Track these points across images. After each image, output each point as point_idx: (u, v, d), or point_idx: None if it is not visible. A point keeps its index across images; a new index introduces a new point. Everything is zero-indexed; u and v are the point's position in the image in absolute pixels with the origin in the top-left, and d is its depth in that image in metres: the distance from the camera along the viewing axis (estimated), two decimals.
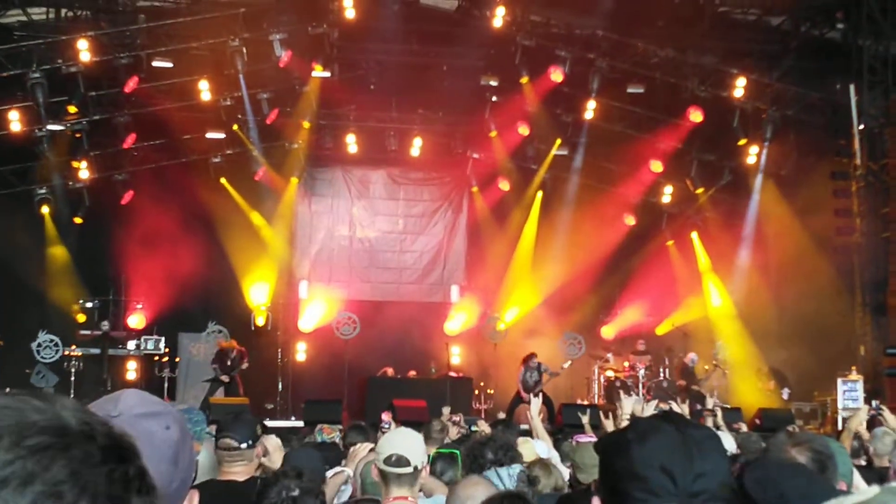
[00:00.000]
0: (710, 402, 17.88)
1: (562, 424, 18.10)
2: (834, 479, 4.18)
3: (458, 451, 7.28)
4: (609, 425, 10.28)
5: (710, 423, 12.66)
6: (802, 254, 23.33)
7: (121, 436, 1.24)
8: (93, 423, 1.22)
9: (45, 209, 24.43)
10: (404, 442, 5.61)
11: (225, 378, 22.93)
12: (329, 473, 6.87)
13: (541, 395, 20.34)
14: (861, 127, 23.21)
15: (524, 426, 15.31)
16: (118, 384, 23.06)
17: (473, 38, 24.62)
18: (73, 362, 23.50)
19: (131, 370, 24.30)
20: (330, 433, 11.40)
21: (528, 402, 22.10)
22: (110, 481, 1.18)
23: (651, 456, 2.20)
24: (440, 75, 25.81)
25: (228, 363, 23.06)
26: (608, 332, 26.92)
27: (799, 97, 24.60)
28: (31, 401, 1.22)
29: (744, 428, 13.83)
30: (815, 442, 4.38)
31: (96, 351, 24.14)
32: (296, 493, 4.53)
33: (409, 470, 5.34)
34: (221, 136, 25.29)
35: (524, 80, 24.42)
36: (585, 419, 12.48)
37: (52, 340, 23.29)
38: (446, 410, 15.70)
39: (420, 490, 5.56)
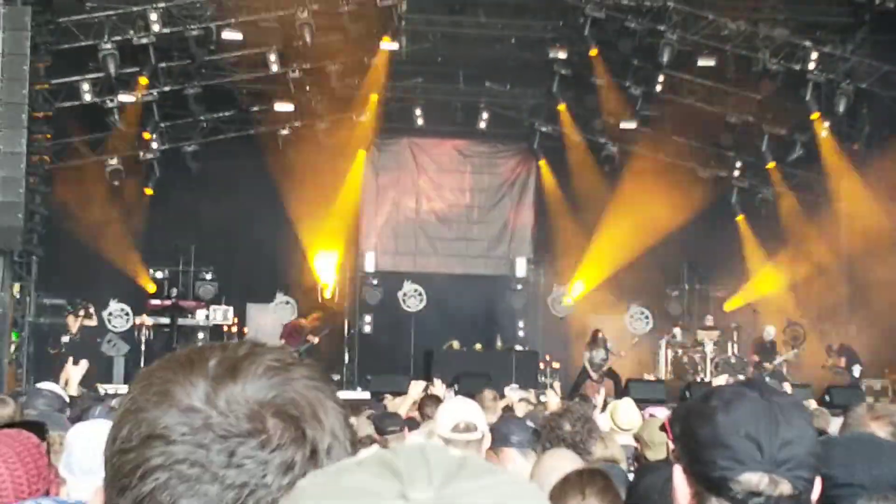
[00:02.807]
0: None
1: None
2: None
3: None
4: None
5: None
6: (874, 229, 22.97)
7: None
8: None
9: (115, 180, 24.67)
10: (466, 409, 5.59)
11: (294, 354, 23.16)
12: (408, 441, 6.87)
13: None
14: None
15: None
16: None
17: (542, 9, 24.46)
18: (144, 331, 23.83)
19: (200, 340, 24.53)
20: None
21: (596, 381, 22.21)
22: None
23: (736, 423, 2.17)
24: (508, 48, 25.68)
25: (298, 337, 23.33)
26: (676, 307, 26.74)
27: (873, 70, 24.17)
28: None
29: (813, 405, 13.63)
30: None
31: (166, 320, 24.44)
32: None
33: (478, 436, 5.33)
34: (290, 108, 25.37)
35: (593, 52, 24.21)
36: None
37: (122, 309, 23.60)
38: (507, 390, 15.70)
39: None
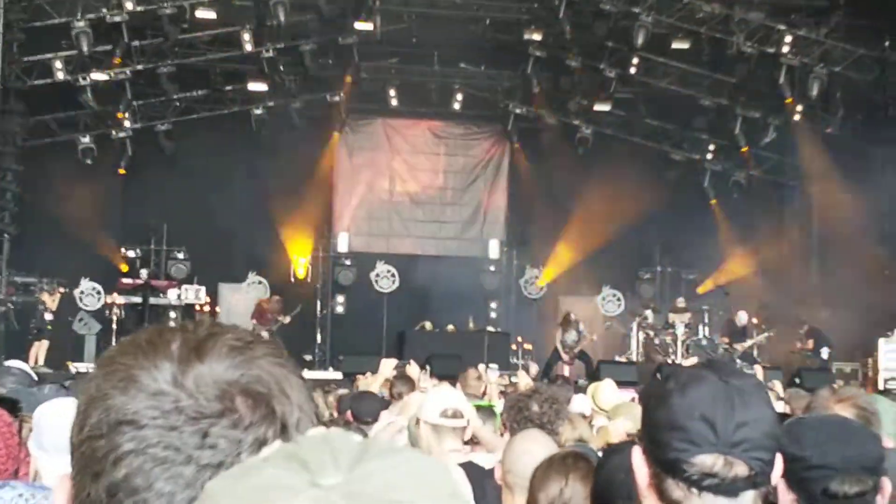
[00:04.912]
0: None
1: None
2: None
3: (494, 405, 7.32)
4: None
5: None
6: (846, 212, 23.08)
7: None
8: None
9: (87, 158, 24.56)
10: (454, 396, 5.67)
11: (265, 334, 23.10)
12: (382, 423, 6.88)
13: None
14: None
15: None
16: None
17: None
18: (115, 310, 23.73)
19: (172, 320, 24.45)
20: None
21: (567, 362, 22.28)
22: None
23: (691, 405, 2.17)
24: (483, 29, 25.67)
25: (269, 316, 23.27)
26: (648, 289, 26.81)
27: (847, 54, 24.25)
28: None
29: (778, 387, 13.65)
30: (860, 398, 4.32)
31: (137, 299, 24.34)
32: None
33: (464, 423, 5.40)
34: (263, 87, 25.30)
35: (568, 34, 24.19)
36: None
37: (94, 288, 23.51)
38: (482, 368, 15.71)
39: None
